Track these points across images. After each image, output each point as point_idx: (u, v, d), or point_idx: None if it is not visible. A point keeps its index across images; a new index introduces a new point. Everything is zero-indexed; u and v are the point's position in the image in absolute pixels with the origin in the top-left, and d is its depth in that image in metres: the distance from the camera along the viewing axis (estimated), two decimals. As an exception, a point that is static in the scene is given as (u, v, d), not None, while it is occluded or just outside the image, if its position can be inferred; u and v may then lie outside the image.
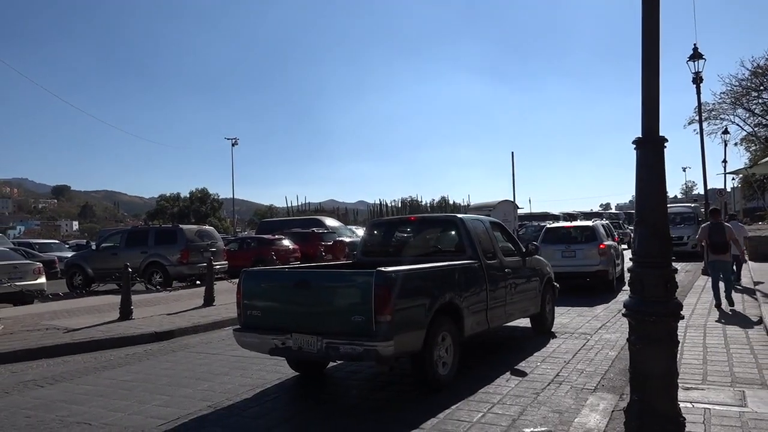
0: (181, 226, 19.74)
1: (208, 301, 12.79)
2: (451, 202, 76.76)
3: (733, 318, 9.18)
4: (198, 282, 18.39)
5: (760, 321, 8.53)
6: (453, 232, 7.71)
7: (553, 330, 8.89)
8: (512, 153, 27.92)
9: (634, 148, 3.80)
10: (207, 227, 22.86)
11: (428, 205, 75.87)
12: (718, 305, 10.24)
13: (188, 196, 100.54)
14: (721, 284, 10.43)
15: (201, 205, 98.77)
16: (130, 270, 11.56)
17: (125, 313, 10.89)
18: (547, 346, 7.85)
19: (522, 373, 6.38)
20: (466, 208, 46.35)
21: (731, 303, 10.28)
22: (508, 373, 6.38)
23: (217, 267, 16.94)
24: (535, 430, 4.55)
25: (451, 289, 6.21)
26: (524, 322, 8.81)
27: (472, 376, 6.25)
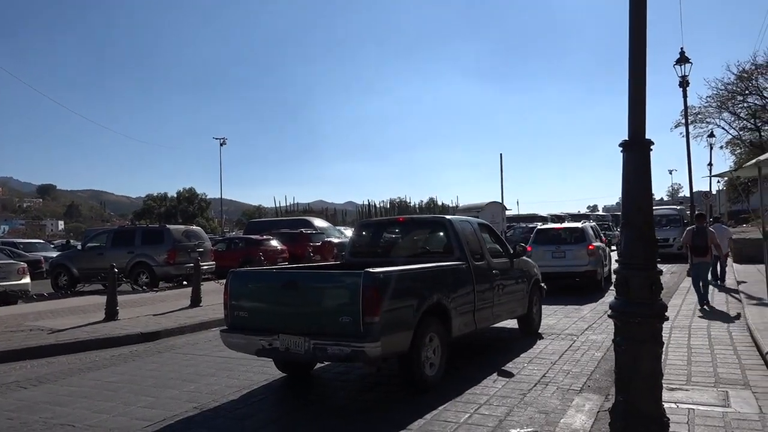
0: (168, 226, 19.63)
1: (195, 301, 12.72)
2: (439, 203, 76.93)
3: (717, 319, 9.28)
4: (185, 282, 18.30)
5: (744, 321, 8.63)
6: (441, 234, 7.73)
7: (540, 331, 8.93)
8: (500, 155, 28.07)
9: (621, 151, 3.82)
10: (194, 227, 22.74)
11: (417, 206, 75.99)
12: (701, 302, 10.71)
13: (176, 195, 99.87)
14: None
15: (188, 205, 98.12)
16: (116, 270, 11.47)
17: (111, 313, 10.80)
18: (534, 347, 7.89)
19: (509, 374, 6.40)
20: (455, 210, 46.47)
21: (707, 302, 10.76)
22: (495, 374, 6.41)
23: (205, 267, 16.83)
24: (522, 430, 4.57)
25: (439, 290, 6.22)
26: (511, 323, 8.84)
27: (460, 377, 6.26)
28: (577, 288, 14.36)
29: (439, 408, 5.20)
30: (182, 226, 22.31)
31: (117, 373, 7.12)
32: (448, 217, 8.15)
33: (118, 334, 9.34)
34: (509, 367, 6.77)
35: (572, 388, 5.79)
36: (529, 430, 4.58)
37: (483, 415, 5.00)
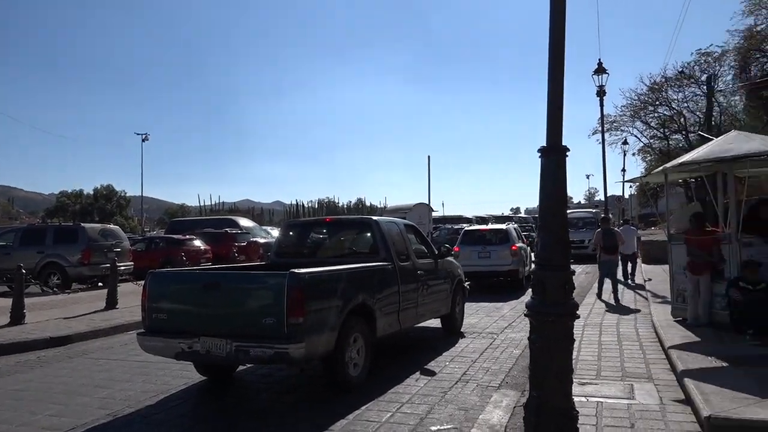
0: (83, 224, 18.64)
1: (111, 303, 12.16)
2: (368, 203, 77.18)
3: (625, 316, 9.85)
4: (100, 284, 17.48)
5: (649, 318, 9.18)
6: (368, 234, 7.78)
7: (462, 330, 9.15)
8: (428, 157, 28.45)
9: (539, 157, 3.98)
10: (112, 226, 21.70)
11: (345, 206, 75.94)
12: (599, 296, 12.07)
13: (92, 193, 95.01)
14: (608, 282, 12.28)
15: (106, 203, 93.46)
16: (23, 271, 10.81)
17: (16, 317, 10.14)
18: (456, 345, 8.08)
19: (431, 373, 6.52)
20: (383, 210, 46.79)
21: (617, 300, 11.68)
22: (417, 373, 6.51)
23: (122, 268, 16.14)
24: (442, 428, 4.67)
25: (365, 290, 6.26)
26: (435, 323, 9.01)
27: (383, 377, 6.31)
28: (500, 287, 14.97)
29: (362, 408, 5.23)
30: (98, 225, 21.24)
31: (22, 380, 6.69)
32: (374, 218, 8.22)
33: (24, 338, 8.78)
34: (432, 365, 6.90)
35: (491, 385, 5.98)
36: (449, 427, 4.69)
37: (405, 413, 5.07)
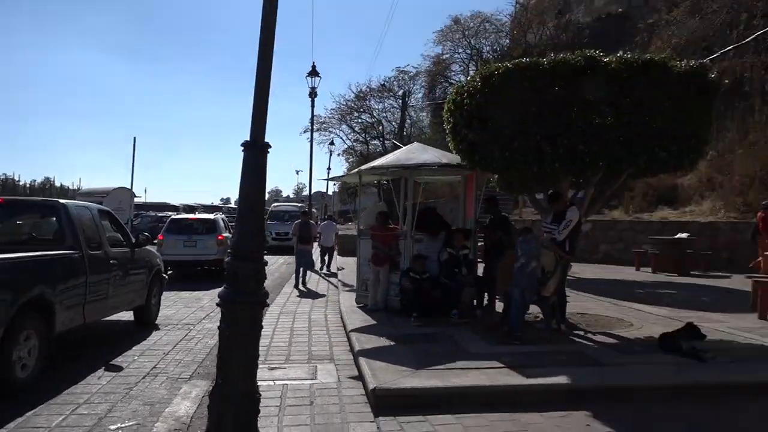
0: None
1: None
2: (58, 184, 68.17)
3: (318, 303, 10.70)
4: None
5: (337, 306, 10.13)
6: (53, 219, 7.01)
7: (157, 322, 8.80)
8: (134, 138, 26.42)
9: (242, 150, 4.11)
10: None
11: (28, 186, 65.72)
12: (296, 285, 13.01)
13: None
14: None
15: None
16: None
17: None
18: (149, 338, 7.76)
19: (117, 368, 6.15)
20: (75, 193, 41.89)
21: (304, 283, 13.23)
22: (101, 370, 6.06)
23: None
24: (123, 425, 4.46)
25: (43, 282, 5.63)
26: (128, 315, 8.49)
27: (61, 376, 5.71)
28: (204, 276, 14.99)
29: (28, 414, 4.65)
30: None
31: None
32: (62, 201, 7.38)
33: None
34: (119, 360, 6.49)
35: (182, 376, 5.91)
36: (131, 423, 4.50)
37: (81, 414, 4.69)
